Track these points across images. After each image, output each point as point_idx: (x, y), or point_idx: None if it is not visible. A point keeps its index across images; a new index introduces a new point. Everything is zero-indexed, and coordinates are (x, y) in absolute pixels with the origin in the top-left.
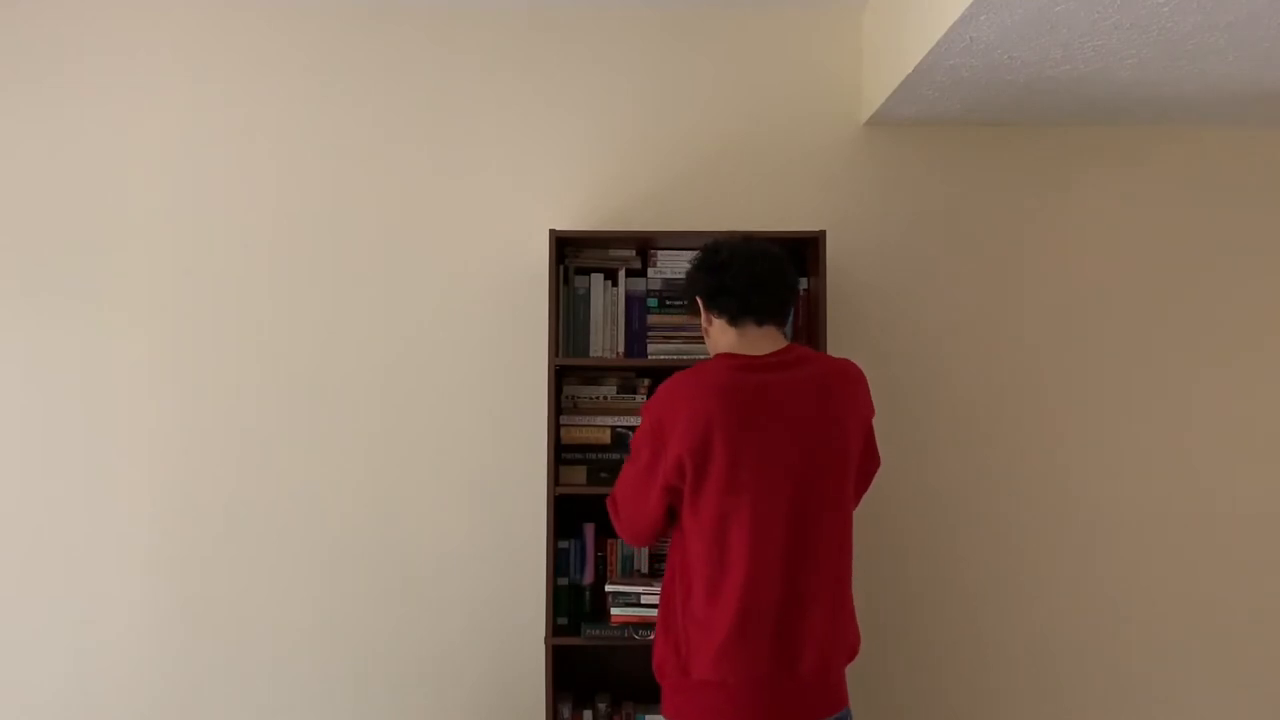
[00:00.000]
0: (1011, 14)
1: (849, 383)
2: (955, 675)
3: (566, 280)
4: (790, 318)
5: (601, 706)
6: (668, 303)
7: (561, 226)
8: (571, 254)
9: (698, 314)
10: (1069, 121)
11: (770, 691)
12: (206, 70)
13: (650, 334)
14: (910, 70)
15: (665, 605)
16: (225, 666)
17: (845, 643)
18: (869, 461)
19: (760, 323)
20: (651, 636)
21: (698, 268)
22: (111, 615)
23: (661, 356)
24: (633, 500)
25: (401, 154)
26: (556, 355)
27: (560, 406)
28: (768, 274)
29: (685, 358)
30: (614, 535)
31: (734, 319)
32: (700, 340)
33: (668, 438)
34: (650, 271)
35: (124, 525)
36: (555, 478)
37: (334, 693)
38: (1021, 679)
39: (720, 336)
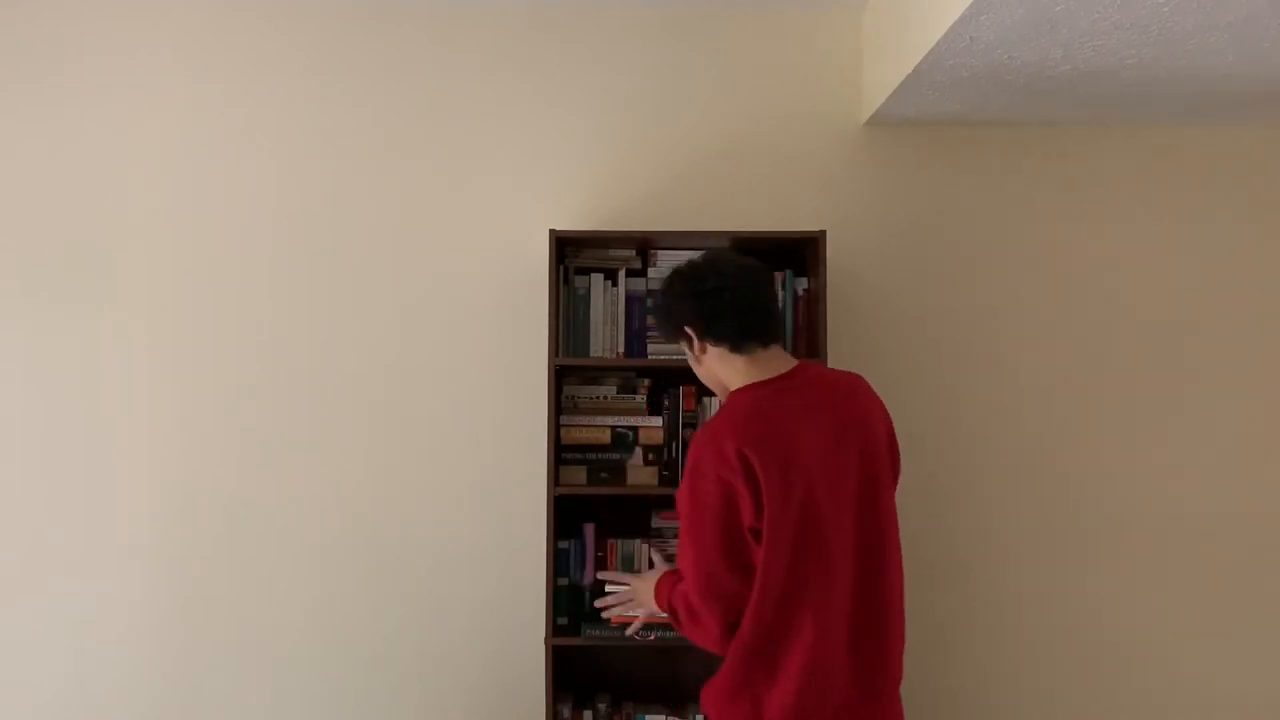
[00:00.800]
0: (1011, 14)
1: (870, 397)
2: (957, 673)
3: (566, 280)
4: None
5: (601, 706)
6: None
7: (561, 226)
8: (571, 254)
9: (679, 341)
10: (1069, 121)
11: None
12: (206, 70)
13: (650, 334)
14: (910, 70)
15: (737, 653)
16: (225, 666)
17: (896, 663)
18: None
19: (765, 344)
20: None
21: (684, 294)
22: (112, 615)
23: (661, 356)
24: (714, 567)
25: (401, 154)
26: (556, 355)
27: (560, 406)
28: (760, 291)
29: (685, 358)
30: (614, 535)
31: (736, 345)
32: None
33: (728, 477)
34: (650, 271)
35: (124, 526)
36: (555, 478)
37: (334, 692)
38: (1022, 675)
39: (720, 366)
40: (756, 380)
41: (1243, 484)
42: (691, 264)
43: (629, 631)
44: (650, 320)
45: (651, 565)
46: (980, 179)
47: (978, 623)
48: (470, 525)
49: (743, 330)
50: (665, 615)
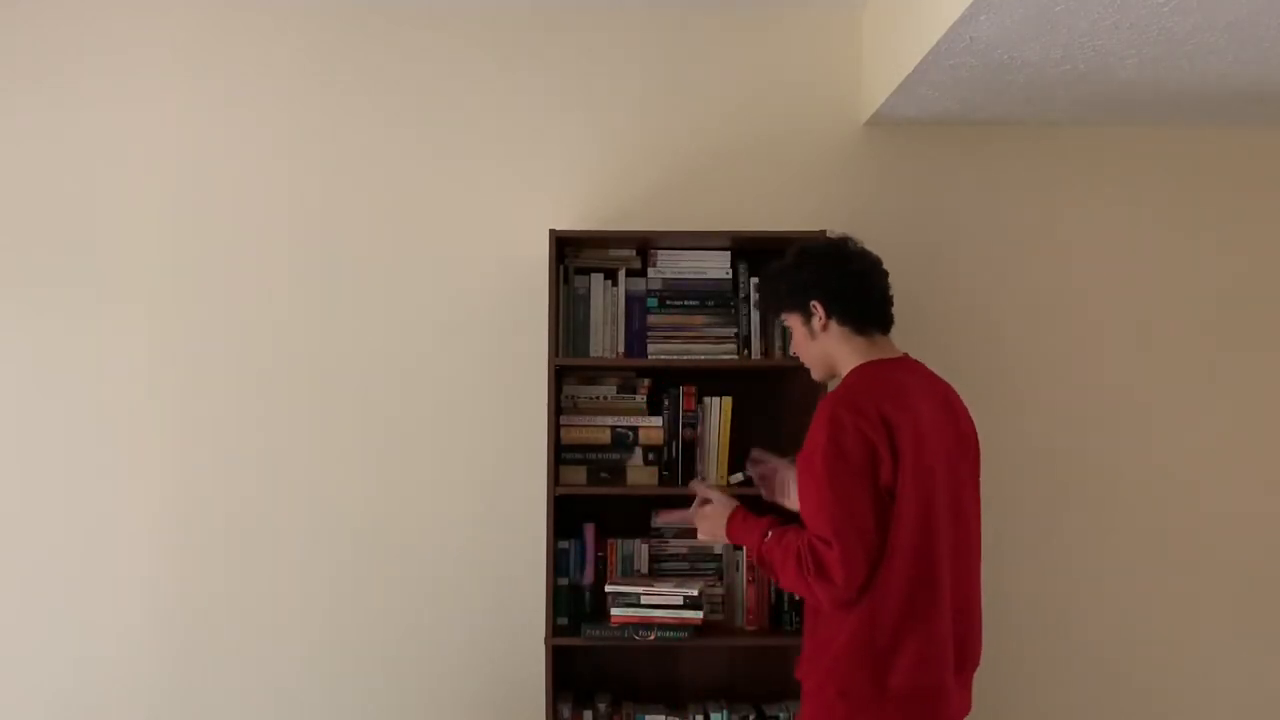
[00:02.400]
0: (1011, 14)
1: (961, 406)
2: None
3: (566, 280)
4: None
5: (601, 706)
6: (668, 303)
7: (561, 226)
8: (571, 254)
9: (788, 314)
10: (1069, 121)
11: (952, 698)
12: (205, 70)
13: (650, 334)
14: (910, 70)
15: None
16: (225, 667)
17: (978, 647)
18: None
19: (886, 331)
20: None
21: (828, 271)
22: (112, 618)
23: (661, 356)
24: (864, 523)
25: (401, 154)
26: (556, 355)
27: (560, 406)
28: (888, 285)
29: (685, 358)
30: (614, 535)
31: (862, 328)
32: (699, 341)
33: (871, 435)
34: (650, 271)
35: (124, 528)
36: (555, 478)
37: (335, 692)
38: (1022, 675)
39: (838, 345)
40: (875, 359)
41: (1242, 483)
42: (831, 243)
43: (657, 522)
44: (650, 320)
45: (652, 565)
46: (980, 179)
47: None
48: (470, 525)
49: (875, 316)
50: (725, 544)
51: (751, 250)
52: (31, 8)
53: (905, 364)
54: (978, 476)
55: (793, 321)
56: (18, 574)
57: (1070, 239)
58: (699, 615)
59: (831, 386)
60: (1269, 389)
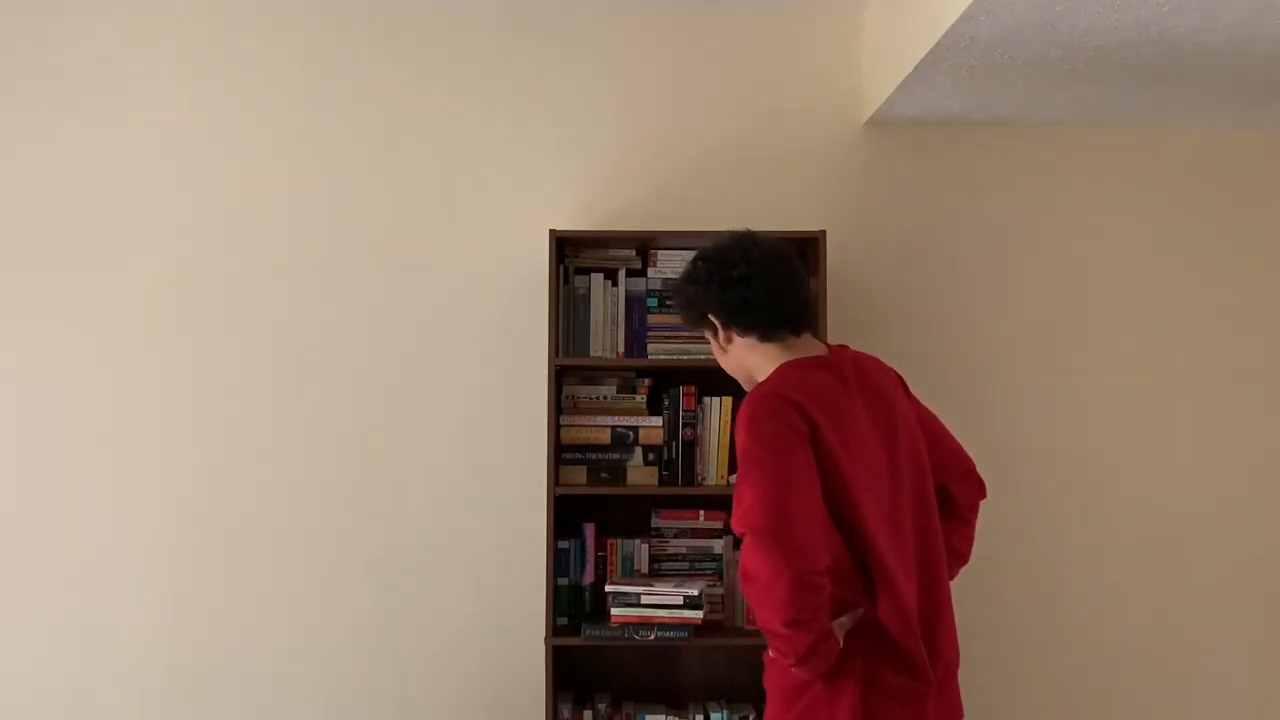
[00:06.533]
0: (1011, 14)
1: (901, 386)
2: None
3: (566, 280)
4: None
5: (601, 707)
6: (668, 303)
7: (561, 226)
8: (571, 254)
9: (702, 329)
10: (1069, 121)
11: (924, 696)
12: (205, 74)
13: (650, 334)
14: (910, 70)
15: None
16: (225, 667)
17: (957, 648)
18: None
19: (797, 332)
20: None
21: (709, 281)
22: (111, 618)
23: (661, 356)
24: (796, 516)
25: (401, 154)
26: (556, 355)
27: (560, 406)
28: (790, 277)
29: (685, 358)
30: (614, 535)
31: (766, 335)
32: (699, 341)
33: (794, 425)
34: (650, 271)
35: (123, 528)
36: (555, 478)
37: (335, 692)
38: (1020, 675)
39: (749, 355)
40: (791, 360)
41: (1242, 483)
42: (718, 248)
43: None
44: (650, 320)
45: (652, 565)
46: (980, 179)
47: (977, 621)
48: (471, 525)
49: (773, 320)
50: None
51: None
52: (33, 8)
53: (830, 360)
54: (921, 463)
55: (706, 335)
56: (18, 574)
57: (1070, 239)
58: (699, 615)
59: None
60: (1269, 389)
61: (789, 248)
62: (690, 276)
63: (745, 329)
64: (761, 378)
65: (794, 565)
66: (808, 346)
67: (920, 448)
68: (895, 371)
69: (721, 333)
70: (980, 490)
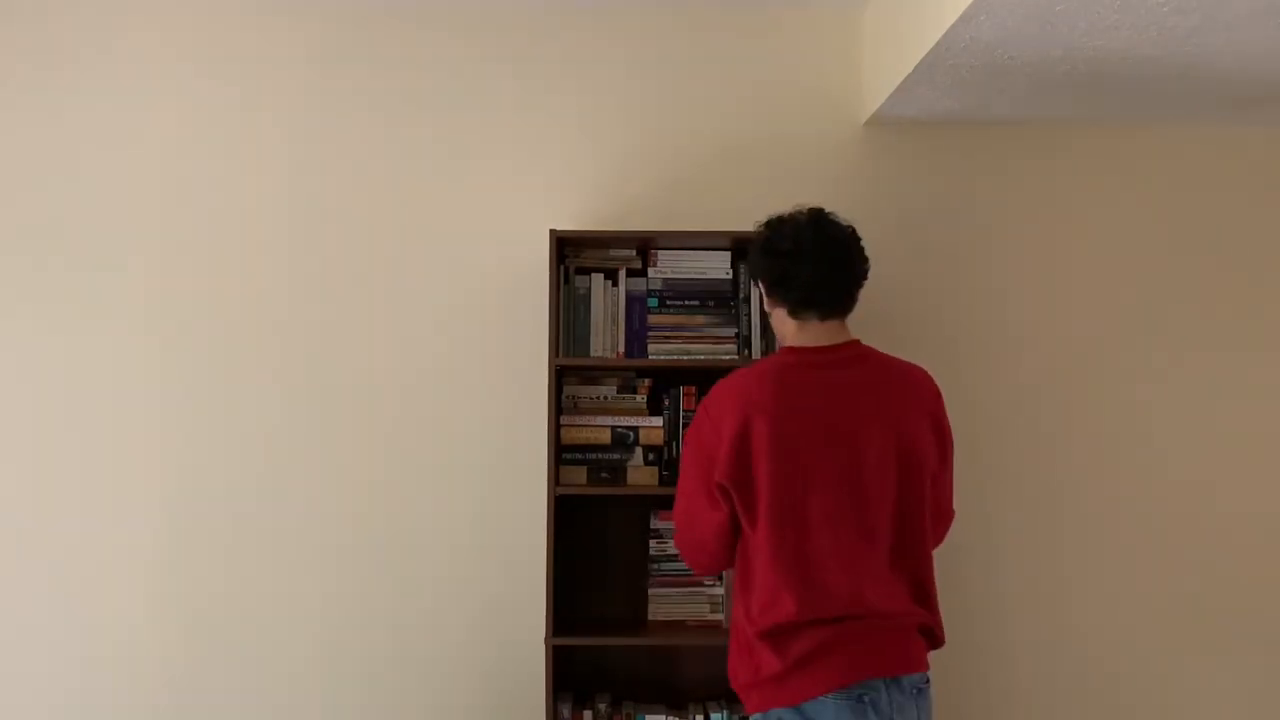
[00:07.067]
0: (1011, 14)
1: (910, 387)
2: (958, 673)
3: (566, 280)
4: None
5: (601, 707)
6: (668, 303)
7: (561, 226)
8: (571, 254)
9: (757, 287)
10: (1069, 121)
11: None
12: (206, 72)
13: (650, 334)
14: (910, 70)
15: (737, 617)
16: (227, 666)
17: (924, 624)
18: (939, 497)
19: (823, 317)
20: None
21: (761, 250)
22: (114, 617)
23: (662, 356)
24: (688, 509)
25: (401, 154)
26: (556, 355)
27: (560, 406)
28: (835, 265)
29: (685, 358)
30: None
31: (794, 311)
32: (699, 341)
33: (718, 427)
34: (650, 271)
35: (125, 528)
36: (555, 478)
37: (334, 692)
38: (1019, 675)
39: (781, 325)
40: (801, 346)
41: (1242, 483)
42: (779, 218)
43: None
44: (650, 320)
45: None
46: (980, 179)
47: (976, 620)
48: (470, 525)
49: (805, 300)
50: None
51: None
52: (35, 7)
53: (834, 353)
54: (918, 469)
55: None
56: (18, 574)
57: (1070, 239)
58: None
59: None
60: (1270, 388)
61: (849, 231)
62: (754, 240)
63: (778, 300)
64: (784, 345)
65: (686, 551)
66: (829, 333)
67: (920, 450)
68: (932, 386)
69: (765, 296)
70: (938, 541)
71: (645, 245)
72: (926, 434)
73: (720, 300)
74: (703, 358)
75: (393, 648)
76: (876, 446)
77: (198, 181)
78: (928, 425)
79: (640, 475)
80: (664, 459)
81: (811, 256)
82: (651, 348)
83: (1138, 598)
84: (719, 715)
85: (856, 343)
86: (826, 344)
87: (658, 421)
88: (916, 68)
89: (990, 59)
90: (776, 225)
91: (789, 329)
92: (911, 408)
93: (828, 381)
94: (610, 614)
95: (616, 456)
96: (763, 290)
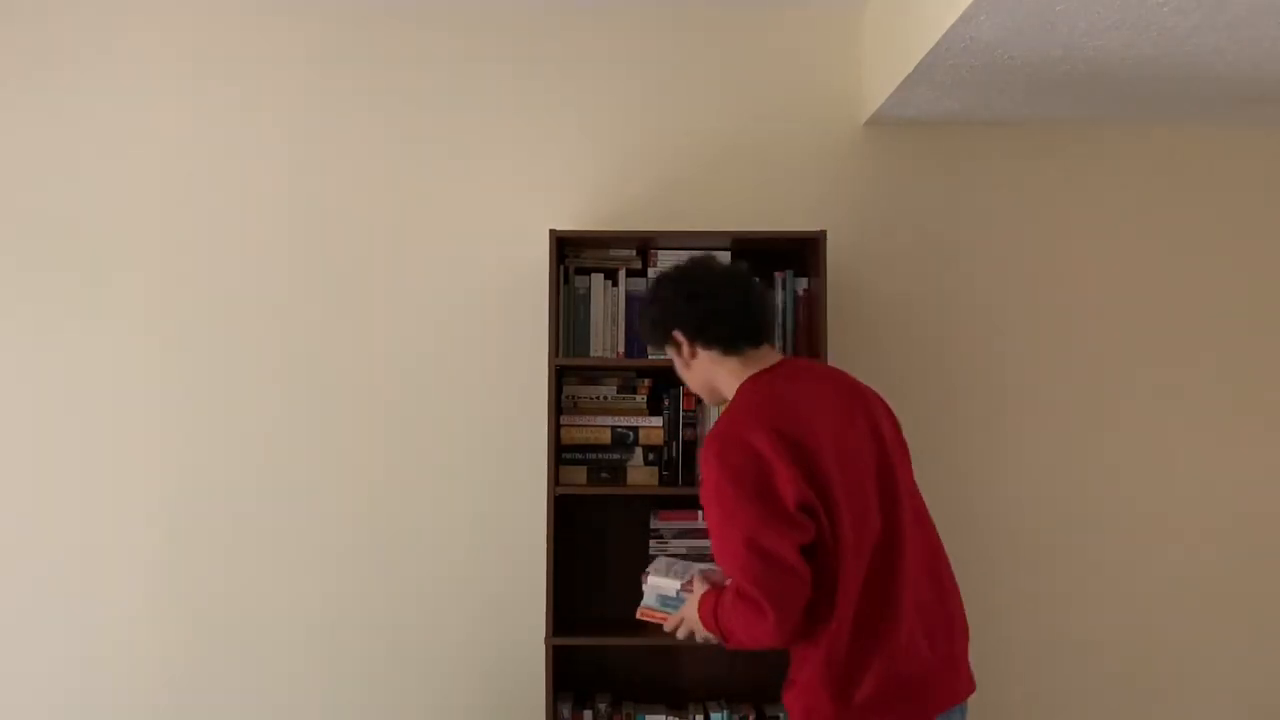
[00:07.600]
0: (1011, 14)
1: (854, 385)
2: None
3: (566, 280)
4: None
5: (601, 706)
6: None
7: (561, 226)
8: (571, 254)
9: (665, 346)
10: (1069, 121)
11: (940, 684)
12: (207, 72)
13: None
14: (910, 70)
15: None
16: (226, 665)
17: (961, 621)
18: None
19: (757, 344)
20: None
21: (675, 299)
22: (115, 616)
23: (662, 357)
24: (759, 546)
25: (401, 154)
26: (556, 355)
27: (560, 406)
28: (750, 293)
29: None
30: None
31: (728, 348)
32: None
33: (753, 453)
34: (650, 271)
35: (126, 526)
36: (555, 478)
37: (334, 692)
38: (1019, 674)
39: (711, 368)
40: (755, 373)
41: (1242, 483)
42: (679, 269)
43: (667, 628)
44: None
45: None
46: (980, 179)
47: (976, 620)
48: (470, 525)
49: (736, 332)
50: (716, 638)
51: (751, 250)
52: (35, 7)
53: (787, 369)
54: (902, 458)
55: (670, 353)
56: (19, 574)
57: (1070, 239)
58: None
59: (723, 409)
60: (1269, 388)
61: (744, 267)
62: (655, 296)
63: (709, 342)
64: (727, 391)
65: (783, 614)
66: (763, 359)
67: (894, 441)
68: (851, 377)
69: (686, 348)
70: None
71: (645, 245)
72: (887, 419)
73: None
74: None
75: (393, 648)
76: (875, 447)
77: (198, 181)
78: (882, 411)
79: (640, 475)
80: (664, 459)
81: (730, 288)
82: (651, 348)
83: (1138, 598)
84: (719, 715)
85: (793, 358)
86: (773, 363)
87: (658, 421)
88: (917, 67)
89: (990, 59)
90: (678, 275)
91: (725, 369)
92: (871, 403)
93: (808, 392)
94: (610, 614)
95: (616, 456)
96: (683, 342)
